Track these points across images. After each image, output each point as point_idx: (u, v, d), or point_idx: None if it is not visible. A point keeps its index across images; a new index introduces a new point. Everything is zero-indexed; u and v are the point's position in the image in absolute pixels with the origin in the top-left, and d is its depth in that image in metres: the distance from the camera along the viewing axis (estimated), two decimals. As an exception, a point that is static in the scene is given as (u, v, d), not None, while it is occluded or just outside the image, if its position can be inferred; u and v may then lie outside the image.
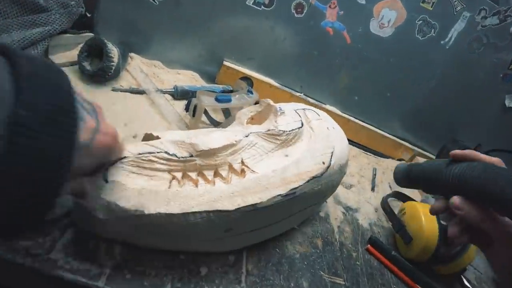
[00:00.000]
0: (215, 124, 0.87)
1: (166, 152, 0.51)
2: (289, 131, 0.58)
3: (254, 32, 0.95)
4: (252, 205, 0.50)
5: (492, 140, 1.03)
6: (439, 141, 1.06)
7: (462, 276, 0.77)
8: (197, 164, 0.52)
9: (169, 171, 0.51)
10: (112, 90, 0.84)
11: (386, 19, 0.92)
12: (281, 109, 0.61)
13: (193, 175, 0.51)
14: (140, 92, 0.87)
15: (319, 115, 0.66)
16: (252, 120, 0.65)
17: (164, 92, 0.90)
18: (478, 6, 0.91)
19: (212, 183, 0.51)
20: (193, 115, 0.80)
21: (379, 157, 1.11)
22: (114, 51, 0.83)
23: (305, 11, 0.92)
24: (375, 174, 1.00)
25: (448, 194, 0.53)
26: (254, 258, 0.60)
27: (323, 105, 1.05)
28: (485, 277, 0.83)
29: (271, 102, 0.63)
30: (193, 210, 0.47)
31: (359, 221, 0.81)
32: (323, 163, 0.58)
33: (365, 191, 0.92)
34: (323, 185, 0.60)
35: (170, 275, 0.51)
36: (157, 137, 0.55)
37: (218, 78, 1.00)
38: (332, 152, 0.61)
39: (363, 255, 0.72)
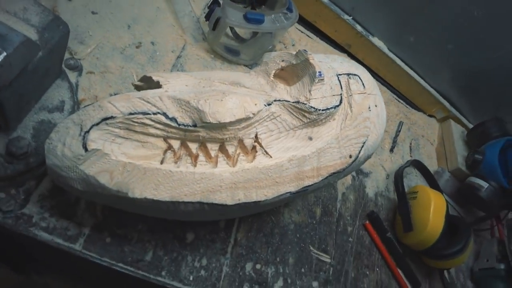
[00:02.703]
0: (240, 40, 0.72)
1: (164, 114, 0.40)
2: (322, 110, 0.46)
3: None
4: (255, 202, 0.42)
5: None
6: (481, 114, 0.92)
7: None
8: (200, 136, 0.42)
9: (165, 139, 0.42)
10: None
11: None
12: (320, 74, 0.47)
13: (193, 147, 0.42)
14: (155, -25, 0.69)
15: (364, 86, 0.52)
16: (281, 72, 0.52)
17: (185, -19, 0.71)
18: None
19: (214, 162, 0.43)
20: (214, 29, 0.64)
21: (410, 108, 0.98)
22: None
23: None
24: (399, 131, 0.90)
25: None
26: (246, 226, 0.56)
27: (370, 37, 0.86)
28: (464, 266, 0.83)
29: (312, 60, 0.48)
30: (185, 200, 0.40)
31: (366, 188, 0.75)
32: (350, 156, 0.49)
33: (382, 151, 0.84)
34: (340, 177, 0.52)
35: (153, 241, 0.48)
36: (158, 83, 0.44)
37: (254, -27, 0.78)
38: (364, 143, 0.50)
39: (358, 231, 0.69)
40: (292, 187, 0.44)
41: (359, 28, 0.85)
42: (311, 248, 0.60)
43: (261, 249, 0.55)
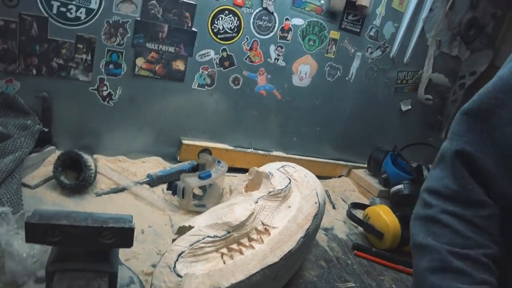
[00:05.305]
0: (199, 198, 1.03)
1: (208, 236, 0.67)
2: (285, 188, 0.80)
3: (203, 109, 1.15)
4: (289, 251, 0.69)
5: (402, 139, 1.40)
6: (365, 152, 1.39)
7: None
8: (234, 237, 0.69)
9: (216, 250, 0.68)
10: (96, 195, 0.94)
11: (303, 72, 1.22)
12: (270, 173, 0.82)
13: (234, 246, 0.69)
14: (121, 189, 0.99)
15: (294, 168, 0.89)
16: (246, 188, 0.85)
17: (142, 183, 1.03)
18: (365, 45, 1.28)
19: (250, 247, 0.69)
20: (183, 197, 0.95)
21: (324, 180, 1.39)
22: (90, 160, 0.94)
23: (241, 82, 1.16)
24: (329, 195, 1.27)
25: None
26: (289, 292, 0.79)
27: (271, 153, 1.29)
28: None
29: (260, 169, 0.84)
30: (253, 272, 0.64)
31: (339, 235, 1.05)
32: (316, 202, 0.81)
33: (329, 212, 1.17)
34: (320, 218, 0.83)
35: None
36: (190, 227, 0.71)
37: (180, 156, 1.16)
38: (316, 193, 0.84)
39: (355, 260, 0.96)
40: (300, 233, 0.73)
41: (261, 152, 1.28)
42: (338, 284, 0.85)
43: (309, 301, 0.78)
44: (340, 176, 1.44)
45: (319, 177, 1.39)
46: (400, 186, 1.19)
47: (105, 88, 1.02)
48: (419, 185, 1.22)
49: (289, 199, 0.81)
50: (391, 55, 1.33)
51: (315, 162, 1.38)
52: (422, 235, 0.57)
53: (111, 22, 0.97)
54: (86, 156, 0.94)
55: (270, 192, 0.79)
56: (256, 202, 0.76)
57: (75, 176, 0.94)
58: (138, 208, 0.94)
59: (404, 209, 1.24)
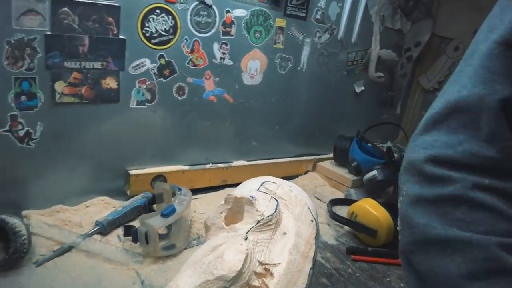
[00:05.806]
0: (164, 237, 0.87)
1: (202, 301, 0.53)
2: (275, 212, 0.68)
3: (147, 129, 0.98)
4: (302, 292, 0.58)
5: (361, 122, 1.35)
6: (328, 142, 1.32)
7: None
8: (234, 291, 0.56)
9: (216, 315, 0.54)
10: (36, 265, 0.75)
11: (254, 69, 1.10)
12: (252, 197, 0.70)
13: (236, 303, 0.56)
14: (67, 249, 0.80)
15: (275, 182, 0.77)
16: (226, 219, 0.71)
17: (91, 234, 0.84)
18: (313, 30, 1.19)
19: (256, 298, 0.57)
20: (147, 243, 0.79)
21: (291, 179, 1.30)
22: (18, 223, 0.74)
23: (186, 91, 1.00)
24: (303, 195, 1.18)
25: None
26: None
27: (232, 164, 1.16)
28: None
29: (237, 195, 0.70)
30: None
31: (328, 242, 0.97)
32: (312, 220, 0.71)
33: (310, 214, 1.09)
34: (319, 238, 0.73)
35: None
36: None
37: (130, 190, 0.98)
38: (308, 208, 0.73)
39: (355, 266, 0.88)
40: (308, 264, 0.62)
41: (221, 165, 1.14)
42: (347, 304, 0.76)
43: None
44: (306, 172, 1.36)
45: (286, 178, 1.30)
46: (374, 172, 1.14)
47: (20, 127, 0.81)
48: (393, 168, 1.20)
49: (281, 224, 0.69)
50: (339, 36, 1.26)
51: (278, 163, 1.28)
52: (440, 225, 0.40)
53: (13, 41, 0.75)
54: (12, 220, 0.73)
55: (259, 221, 0.66)
56: (246, 238, 0.63)
57: (2, 247, 0.73)
58: (94, 269, 0.76)
59: (381, 194, 1.20)
